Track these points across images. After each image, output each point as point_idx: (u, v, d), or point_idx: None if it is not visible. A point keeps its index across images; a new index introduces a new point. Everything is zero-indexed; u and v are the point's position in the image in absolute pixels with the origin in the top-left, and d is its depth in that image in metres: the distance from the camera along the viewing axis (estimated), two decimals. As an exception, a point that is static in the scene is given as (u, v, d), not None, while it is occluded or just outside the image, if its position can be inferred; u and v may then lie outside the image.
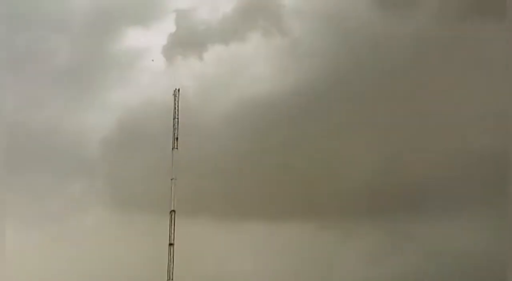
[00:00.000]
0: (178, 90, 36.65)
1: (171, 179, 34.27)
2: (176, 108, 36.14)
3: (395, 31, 39.52)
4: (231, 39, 42.54)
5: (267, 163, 40.94)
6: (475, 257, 32.96)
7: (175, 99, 36.40)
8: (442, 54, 38.69)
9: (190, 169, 36.34)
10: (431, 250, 34.90)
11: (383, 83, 39.83)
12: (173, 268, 32.40)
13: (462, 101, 37.99)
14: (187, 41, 42.89)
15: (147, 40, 45.47)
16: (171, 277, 32.19)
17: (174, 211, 33.51)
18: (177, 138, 35.41)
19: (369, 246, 37.46)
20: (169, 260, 32.52)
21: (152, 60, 42.89)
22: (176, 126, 35.71)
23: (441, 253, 34.32)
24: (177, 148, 35.20)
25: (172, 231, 33.13)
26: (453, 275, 32.61)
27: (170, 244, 32.75)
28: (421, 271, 33.85)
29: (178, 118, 35.96)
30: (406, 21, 39.56)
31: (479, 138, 36.34)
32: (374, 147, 39.32)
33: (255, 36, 42.54)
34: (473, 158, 35.77)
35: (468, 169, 36.01)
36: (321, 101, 40.60)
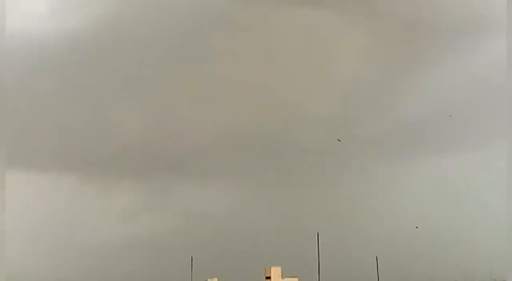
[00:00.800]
0: None
1: None
2: None
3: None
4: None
5: (29, 109, 38.61)
6: (229, 218, 36.79)
7: None
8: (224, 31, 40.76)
9: None
10: (188, 210, 37.66)
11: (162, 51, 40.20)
12: None
13: (238, 81, 41.03)
14: None
15: None
16: None
17: None
18: None
19: (128, 202, 38.53)
20: None
21: None
22: None
23: (198, 213, 37.31)
24: None
25: None
26: (208, 234, 35.78)
27: None
28: (178, 229, 36.31)
29: None
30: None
31: (242, 114, 40.02)
32: (143, 108, 40.05)
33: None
34: (236, 131, 39.27)
35: (231, 141, 39.53)
36: (96, 52, 39.42)
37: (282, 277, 39.72)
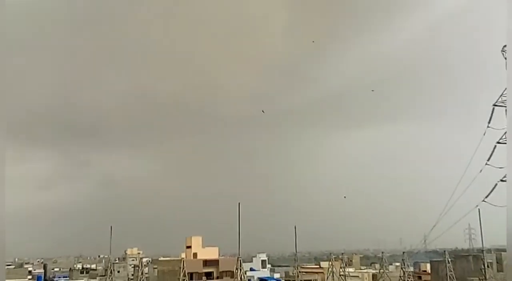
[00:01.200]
0: None
1: None
2: None
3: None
4: None
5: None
6: (148, 187, 36.56)
7: None
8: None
9: None
10: (106, 178, 37.16)
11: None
12: None
13: (159, 48, 40.17)
14: None
15: None
16: None
17: None
18: None
19: (44, 170, 37.37)
20: None
21: None
22: None
23: (116, 181, 36.94)
24: None
25: None
26: (127, 203, 35.41)
27: None
28: (95, 198, 35.78)
29: None
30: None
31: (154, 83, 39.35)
32: (57, 72, 38.65)
33: None
34: (157, 99, 38.71)
35: (151, 108, 39.03)
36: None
37: (203, 246, 40.29)
